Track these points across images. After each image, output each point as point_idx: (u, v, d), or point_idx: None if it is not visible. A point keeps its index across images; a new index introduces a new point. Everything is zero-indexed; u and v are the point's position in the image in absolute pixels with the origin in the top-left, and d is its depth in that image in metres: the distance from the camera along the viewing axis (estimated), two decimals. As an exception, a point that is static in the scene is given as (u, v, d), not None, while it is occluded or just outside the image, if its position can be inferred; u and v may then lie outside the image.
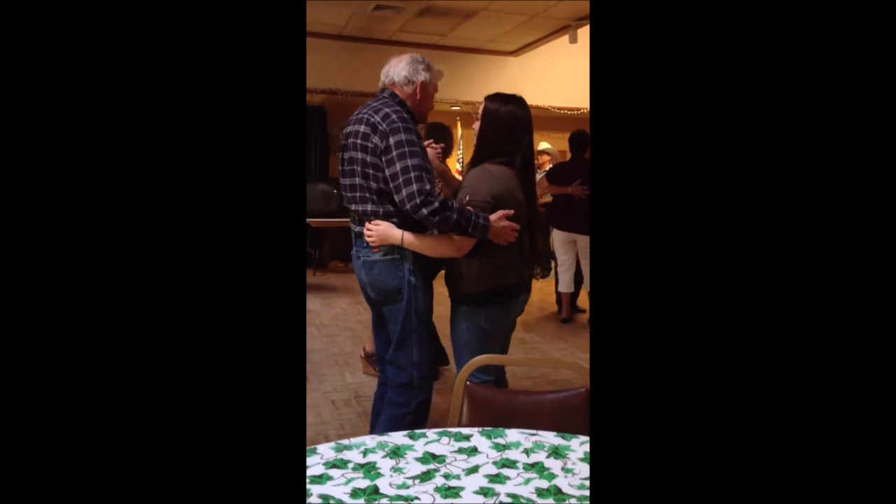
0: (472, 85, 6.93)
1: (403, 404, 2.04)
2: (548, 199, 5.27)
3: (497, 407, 1.43)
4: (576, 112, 7.44)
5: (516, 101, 1.98)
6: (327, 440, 2.57)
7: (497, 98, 1.98)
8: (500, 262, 1.94)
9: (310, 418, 2.89)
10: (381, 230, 1.91)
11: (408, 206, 1.80)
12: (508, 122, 1.94)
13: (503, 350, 2.12)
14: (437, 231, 1.90)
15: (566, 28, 5.97)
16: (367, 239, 1.93)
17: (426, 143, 2.40)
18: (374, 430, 2.20)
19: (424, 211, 1.78)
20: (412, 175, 1.79)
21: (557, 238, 4.85)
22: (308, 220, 5.47)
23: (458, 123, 7.60)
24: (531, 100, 2.12)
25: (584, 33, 5.92)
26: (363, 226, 1.96)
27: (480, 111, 2.01)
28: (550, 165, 6.64)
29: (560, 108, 7.33)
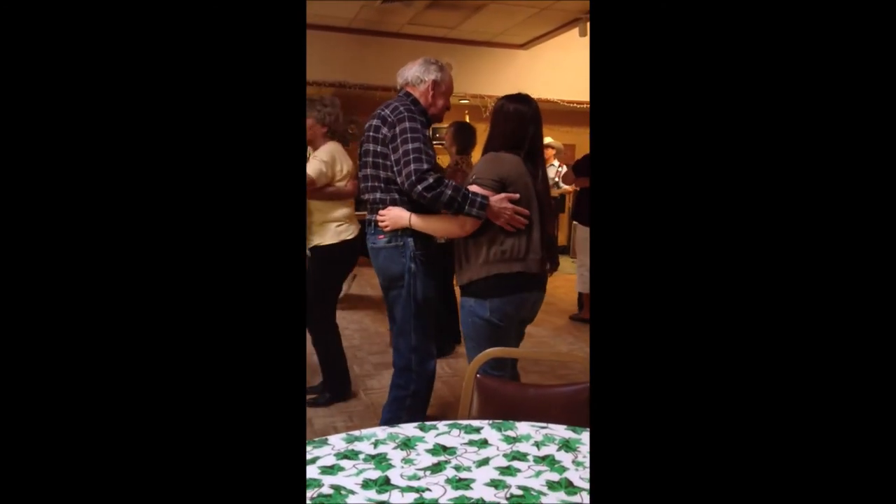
0: (481, 78, 6.89)
1: (403, 387, 2.16)
2: (566, 188, 5.15)
3: (507, 400, 1.44)
4: (585, 106, 7.38)
5: (522, 98, 2.08)
6: (336, 431, 2.58)
7: (505, 98, 2.11)
8: (506, 249, 1.96)
9: (318, 410, 2.90)
10: (392, 214, 2.03)
11: (406, 185, 1.91)
12: (515, 118, 2.03)
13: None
14: (443, 211, 1.98)
15: (576, 21, 5.93)
16: (380, 224, 2.05)
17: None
18: (385, 410, 2.27)
19: (419, 187, 1.87)
20: (411, 157, 1.90)
21: (581, 234, 4.47)
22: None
23: (467, 117, 7.58)
24: (540, 93, 2.21)
25: (594, 26, 5.88)
26: (374, 214, 2.08)
27: (491, 112, 2.12)
28: (556, 159, 6.62)
29: (569, 102, 7.28)
